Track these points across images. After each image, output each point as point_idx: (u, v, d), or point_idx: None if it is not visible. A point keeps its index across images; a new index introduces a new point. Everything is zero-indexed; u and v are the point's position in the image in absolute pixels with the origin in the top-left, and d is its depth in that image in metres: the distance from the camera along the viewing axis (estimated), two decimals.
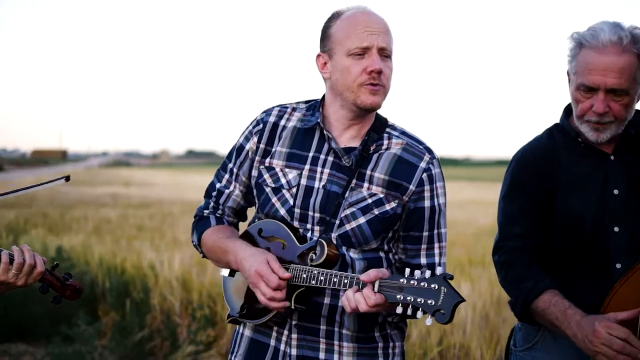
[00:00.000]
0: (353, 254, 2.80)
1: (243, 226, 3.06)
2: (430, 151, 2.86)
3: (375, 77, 2.74)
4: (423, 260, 2.85)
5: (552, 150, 3.01)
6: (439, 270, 2.51)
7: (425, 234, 2.85)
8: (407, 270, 2.53)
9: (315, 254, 2.72)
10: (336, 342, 2.83)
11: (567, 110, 3.07)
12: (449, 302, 2.42)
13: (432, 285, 2.45)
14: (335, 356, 2.83)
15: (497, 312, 6.81)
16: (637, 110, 2.98)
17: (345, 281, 2.62)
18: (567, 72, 2.99)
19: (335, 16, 2.86)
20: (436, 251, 2.87)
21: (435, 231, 2.87)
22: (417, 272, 2.50)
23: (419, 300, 2.45)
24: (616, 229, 2.90)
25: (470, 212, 19.96)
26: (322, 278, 2.67)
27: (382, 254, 2.85)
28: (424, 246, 2.86)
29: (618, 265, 2.89)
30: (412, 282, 2.48)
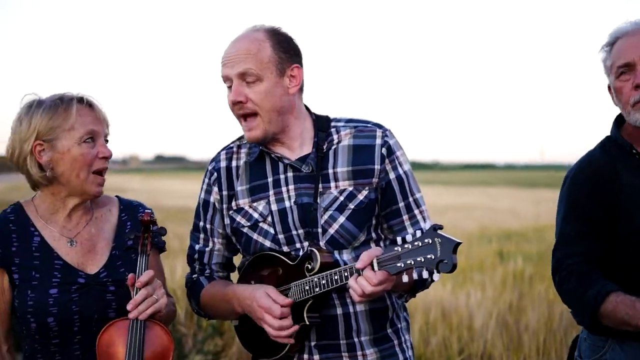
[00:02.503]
0: (346, 255, 2.82)
1: (235, 277, 3.06)
2: (380, 126, 2.90)
3: (240, 108, 2.79)
4: (410, 231, 2.84)
5: (607, 165, 2.95)
6: (426, 226, 2.52)
7: (402, 204, 2.87)
8: (399, 239, 2.51)
9: (310, 263, 2.74)
10: (359, 353, 2.84)
11: (618, 122, 3.04)
12: (447, 249, 2.40)
13: (426, 241, 2.43)
14: None
15: (515, 318, 6.80)
16: None
17: (346, 274, 2.62)
18: (608, 86, 3.02)
19: None
20: (419, 217, 2.89)
21: (410, 198, 2.89)
22: (408, 236, 2.48)
23: (419, 259, 2.43)
24: None
25: (453, 218, 19.96)
26: (323, 282, 2.67)
27: (372, 245, 2.86)
28: (405, 217, 2.88)
29: None
30: (406, 246, 2.47)
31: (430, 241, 2.42)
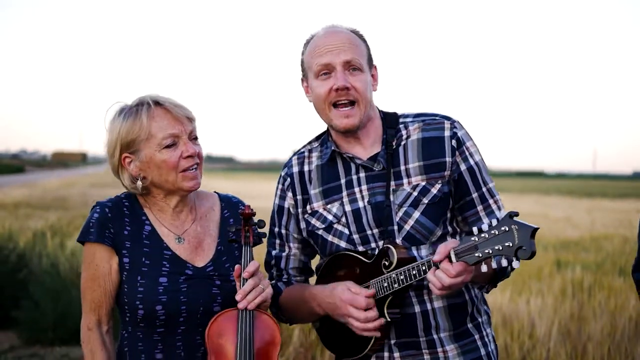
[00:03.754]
0: (424, 251, 2.80)
1: (313, 280, 3.07)
2: (447, 118, 2.88)
3: (344, 94, 2.77)
4: (486, 221, 2.75)
5: None
6: (501, 214, 2.48)
7: (475, 195, 2.85)
8: (475, 229, 2.48)
9: (386, 260, 2.72)
10: (439, 349, 2.82)
11: None
12: (524, 235, 2.36)
13: (503, 228, 2.40)
14: None
15: (577, 327, 6.70)
16: None
17: (424, 268, 2.61)
18: None
19: (307, 41, 2.90)
20: (494, 207, 2.85)
21: (484, 189, 2.86)
22: (484, 226, 2.46)
23: (497, 248, 2.41)
24: None
25: None
26: (402, 277, 2.66)
27: (449, 239, 2.83)
28: (479, 207, 2.85)
29: None
30: (483, 235, 2.45)
31: (507, 228, 2.40)
